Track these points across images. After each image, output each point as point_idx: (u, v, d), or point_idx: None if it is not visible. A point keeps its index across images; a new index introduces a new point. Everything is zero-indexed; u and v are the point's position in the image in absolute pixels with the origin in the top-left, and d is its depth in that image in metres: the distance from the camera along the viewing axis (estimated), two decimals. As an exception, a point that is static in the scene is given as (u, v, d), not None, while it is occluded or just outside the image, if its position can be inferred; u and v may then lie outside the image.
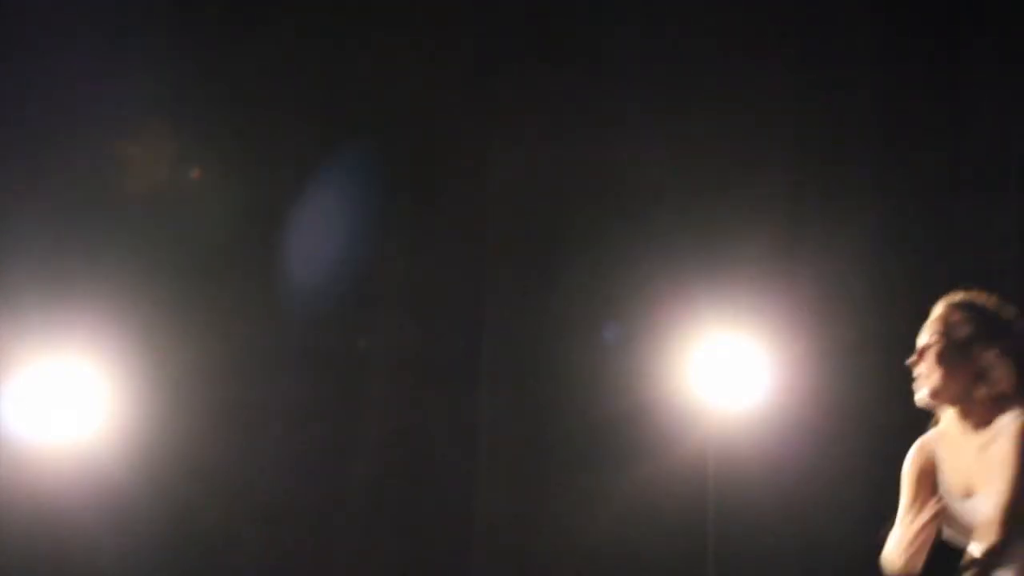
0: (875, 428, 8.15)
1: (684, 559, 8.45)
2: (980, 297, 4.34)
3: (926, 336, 4.32)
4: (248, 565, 8.44)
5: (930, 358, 4.29)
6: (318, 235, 8.75)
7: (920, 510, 4.26)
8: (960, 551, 4.18)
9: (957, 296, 4.36)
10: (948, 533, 4.29)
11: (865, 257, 8.74)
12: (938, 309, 4.35)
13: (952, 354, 4.27)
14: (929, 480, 4.32)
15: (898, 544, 4.26)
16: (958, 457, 4.29)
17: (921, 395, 4.31)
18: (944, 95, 8.86)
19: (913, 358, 4.32)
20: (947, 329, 4.29)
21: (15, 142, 8.38)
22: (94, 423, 7.51)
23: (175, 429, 8.15)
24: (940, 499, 4.26)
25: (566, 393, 8.84)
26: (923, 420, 4.38)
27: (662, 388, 8.39)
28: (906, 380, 4.32)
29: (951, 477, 4.29)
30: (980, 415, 4.25)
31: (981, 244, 8.59)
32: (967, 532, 4.22)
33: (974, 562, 4.10)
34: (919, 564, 4.23)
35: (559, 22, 9.07)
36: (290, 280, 8.69)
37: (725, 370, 8.00)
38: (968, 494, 4.24)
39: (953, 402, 4.29)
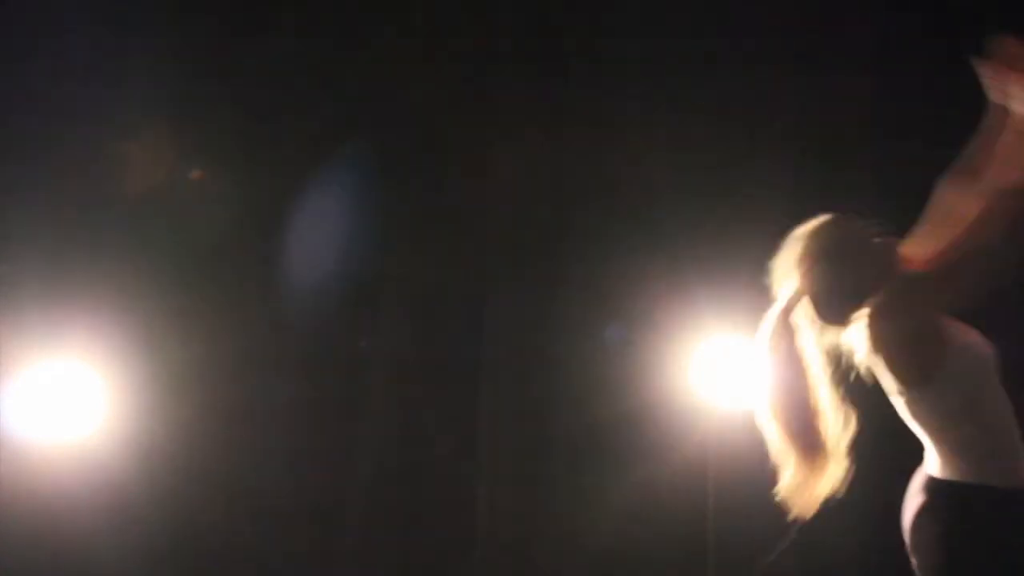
0: (874, 428, 8.13)
1: (684, 559, 8.45)
2: None
3: None
4: (248, 565, 8.44)
5: None
6: (318, 235, 8.76)
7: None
8: None
9: None
10: None
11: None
12: None
13: None
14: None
15: None
16: None
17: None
18: (944, 95, 8.86)
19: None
20: None
21: (15, 142, 8.39)
22: (94, 423, 7.50)
23: (175, 429, 8.16)
24: None
25: (566, 393, 8.84)
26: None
27: (662, 388, 8.39)
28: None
29: None
30: None
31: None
32: None
33: None
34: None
35: (560, 21, 9.07)
36: (290, 280, 8.70)
37: (725, 370, 7.99)
38: None
39: None
